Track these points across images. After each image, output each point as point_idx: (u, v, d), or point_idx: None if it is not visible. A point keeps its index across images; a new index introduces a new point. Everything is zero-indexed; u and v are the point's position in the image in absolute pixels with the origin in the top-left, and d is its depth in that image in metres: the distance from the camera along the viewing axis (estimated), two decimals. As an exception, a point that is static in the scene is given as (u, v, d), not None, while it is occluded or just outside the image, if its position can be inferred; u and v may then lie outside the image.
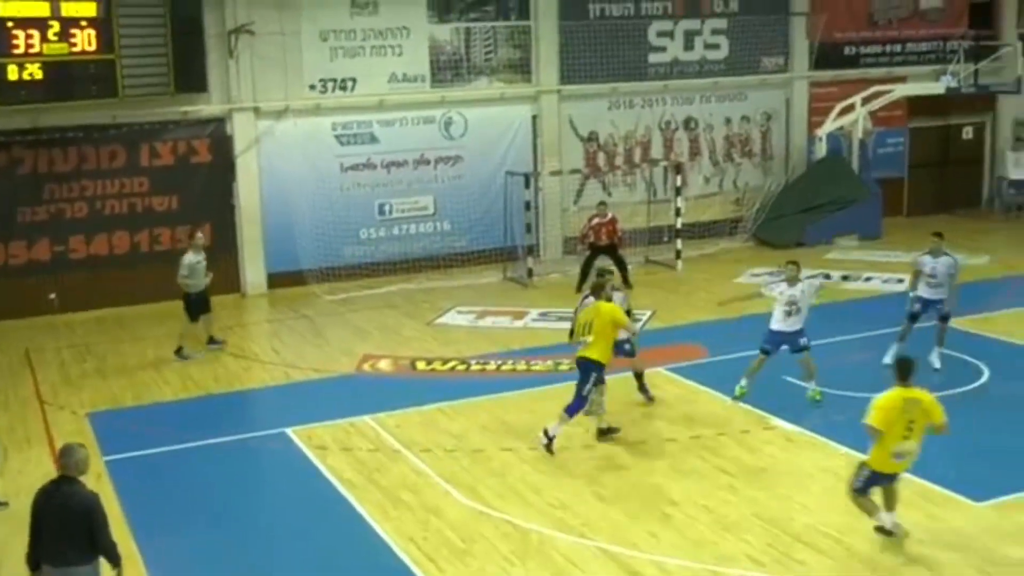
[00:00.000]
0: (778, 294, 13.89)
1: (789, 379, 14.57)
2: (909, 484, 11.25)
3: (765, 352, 13.91)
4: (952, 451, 12.16)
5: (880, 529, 10.06)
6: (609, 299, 13.00)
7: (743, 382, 13.97)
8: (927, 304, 15.04)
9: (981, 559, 9.80)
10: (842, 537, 10.25)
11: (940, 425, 9.77)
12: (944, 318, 15.01)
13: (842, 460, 11.97)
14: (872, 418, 9.70)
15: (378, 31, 21.37)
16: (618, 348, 13.22)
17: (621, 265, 19.79)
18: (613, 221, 20.26)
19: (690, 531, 10.48)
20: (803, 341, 13.84)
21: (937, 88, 24.65)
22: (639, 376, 14.18)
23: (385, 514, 11.02)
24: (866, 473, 9.93)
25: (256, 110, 20.57)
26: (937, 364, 14.89)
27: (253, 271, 20.87)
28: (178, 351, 16.69)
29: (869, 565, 9.79)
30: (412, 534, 10.57)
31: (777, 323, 13.88)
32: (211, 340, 17.14)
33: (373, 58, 21.41)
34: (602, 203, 20.96)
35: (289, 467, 12.52)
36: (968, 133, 27.34)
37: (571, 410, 12.57)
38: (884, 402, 9.69)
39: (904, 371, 9.85)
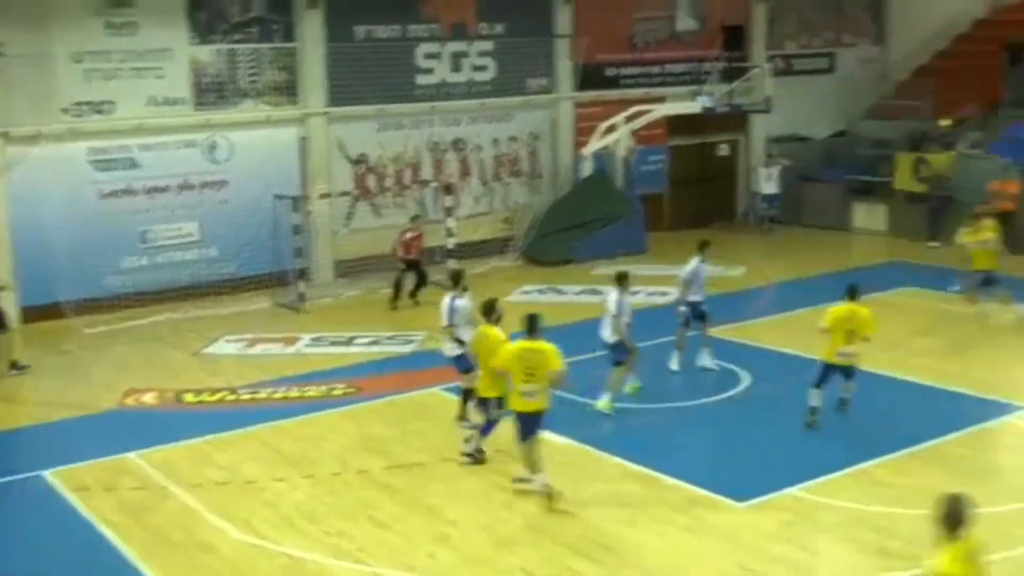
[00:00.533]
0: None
1: (561, 393, 14.79)
2: (675, 489, 11.65)
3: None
4: (715, 455, 12.67)
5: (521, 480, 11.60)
6: (499, 320, 12.53)
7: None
8: (696, 306, 15.72)
9: (745, 556, 10.17)
10: (615, 545, 10.45)
11: (557, 373, 11.32)
12: (704, 316, 15.80)
13: (613, 471, 12.25)
14: (497, 363, 11.54)
15: (137, 52, 20.63)
16: None
17: (423, 281, 20.07)
18: (422, 235, 20.52)
19: (468, 550, 10.48)
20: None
21: (694, 108, 25.69)
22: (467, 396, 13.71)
23: (153, 555, 10.54)
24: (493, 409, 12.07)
25: (5, 135, 19.54)
26: (711, 363, 15.60)
27: (5, 305, 19.70)
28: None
29: (640, 568, 10.02)
30: (183, 574, 10.18)
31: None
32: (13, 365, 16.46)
33: (132, 80, 20.66)
34: (416, 216, 21.22)
35: (47, 512, 11.81)
36: (724, 150, 28.63)
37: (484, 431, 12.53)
38: (509, 349, 11.57)
39: (531, 326, 11.55)
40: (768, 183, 27.18)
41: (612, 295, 14.05)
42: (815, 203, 27.46)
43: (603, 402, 14.16)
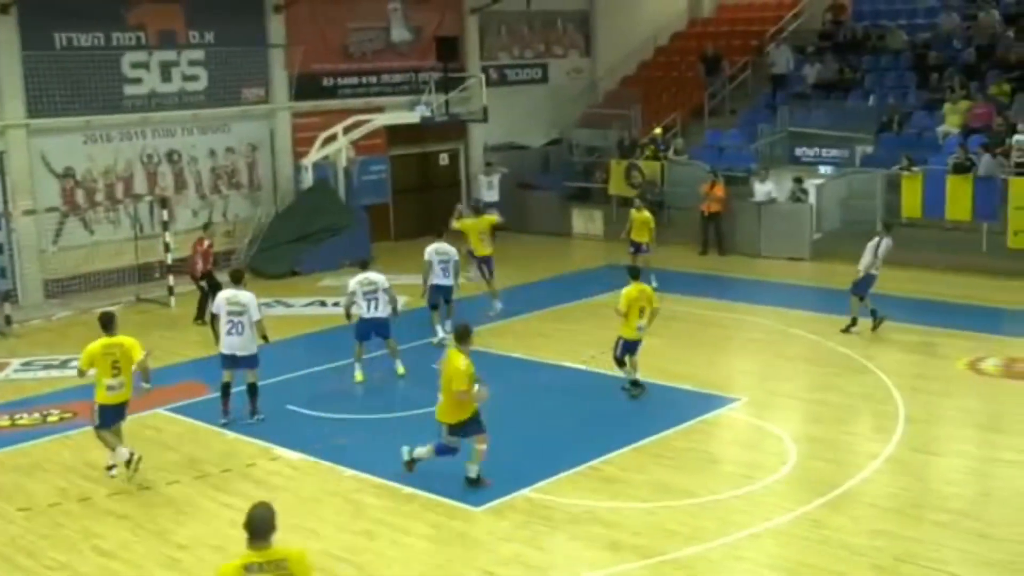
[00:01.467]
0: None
1: (292, 407, 14.59)
2: (413, 498, 11.67)
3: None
4: (450, 463, 12.73)
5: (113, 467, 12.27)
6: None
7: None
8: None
9: (485, 559, 10.30)
10: (355, 557, 10.36)
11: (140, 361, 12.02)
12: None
13: (350, 484, 12.14)
14: (81, 362, 12.12)
15: None
16: None
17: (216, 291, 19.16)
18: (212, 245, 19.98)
19: (200, 572, 10.11)
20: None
21: (412, 117, 25.86)
22: None
23: None
24: (96, 410, 12.17)
25: None
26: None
27: None
28: None
29: (382, 582, 9.98)
30: None
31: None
32: None
33: None
34: (208, 224, 20.92)
35: None
36: (444, 159, 28.94)
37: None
38: (92, 348, 12.08)
39: (106, 323, 12.22)
40: (489, 191, 27.64)
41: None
42: (535, 210, 28.19)
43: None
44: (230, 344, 13.82)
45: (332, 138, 25.09)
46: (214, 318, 14.29)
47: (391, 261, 24.24)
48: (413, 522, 11.14)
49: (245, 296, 13.88)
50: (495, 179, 27.70)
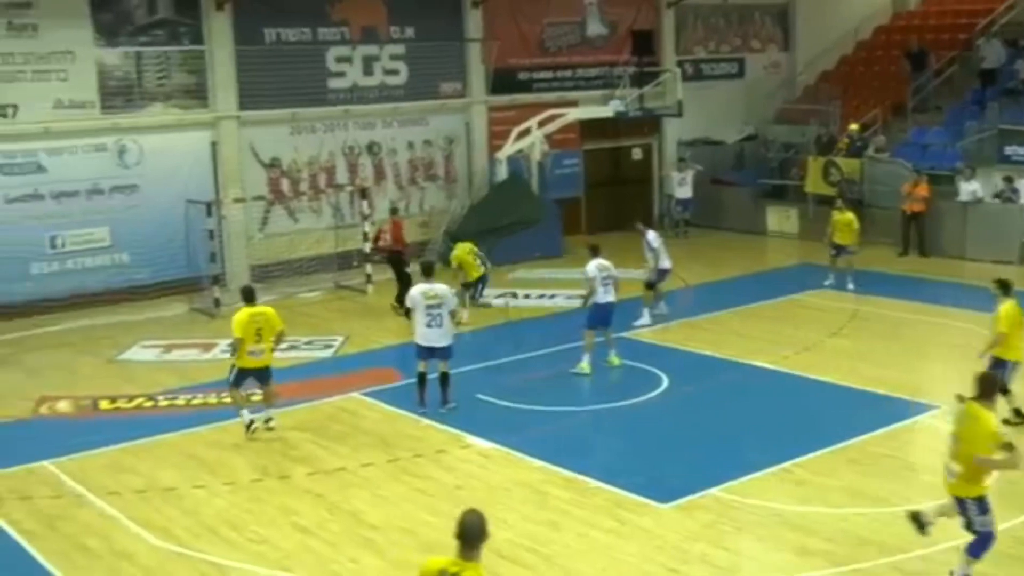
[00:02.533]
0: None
1: (482, 397, 14.84)
2: (599, 492, 11.71)
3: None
4: (637, 457, 12.75)
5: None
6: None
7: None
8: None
9: (668, 557, 10.26)
10: (541, 548, 10.47)
11: (280, 331, 13.84)
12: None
13: (537, 474, 12.28)
14: (233, 330, 13.60)
15: (39, 55, 20.17)
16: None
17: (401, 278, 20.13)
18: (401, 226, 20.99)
19: (392, 555, 10.42)
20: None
21: (606, 112, 25.88)
22: None
23: (71, 564, 10.33)
24: (234, 372, 13.73)
25: (-96, 139, 19.01)
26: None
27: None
28: None
29: (566, 571, 10.05)
30: (101, 584, 9.98)
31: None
32: None
33: (35, 83, 20.20)
34: (395, 209, 21.95)
35: (-41, 523, 11.52)
36: (637, 154, 28.86)
37: None
38: (239, 317, 13.75)
39: (247, 295, 14.08)
40: (682, 187, 27.47)
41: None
42: (728, 207, 27.87)
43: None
44: (428, 336, 13.96)
45: (526, 132, 25.32)
46: (408, 311, 14.56)
47: (582, 254, 24.35)
48: (599, 515, 11.18)
49: (441, 288, 14.10)
50: (688, 175, 27.50)
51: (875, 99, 29.07)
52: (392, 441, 13.49)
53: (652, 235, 18.80)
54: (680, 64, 28.06)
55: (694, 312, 19.31)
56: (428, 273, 14.31)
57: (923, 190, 24.01)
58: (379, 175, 24.55)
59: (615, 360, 16.17)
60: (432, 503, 11.61)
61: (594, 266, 16.07)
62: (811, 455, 12.56)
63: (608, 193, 28.15)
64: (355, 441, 13.52)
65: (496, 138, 25.83)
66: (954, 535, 10.44)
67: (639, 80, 26.43)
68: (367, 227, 22.04)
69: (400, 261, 20.24)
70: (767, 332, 18.11)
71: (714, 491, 11.57)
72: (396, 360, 16.83)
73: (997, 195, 23.91)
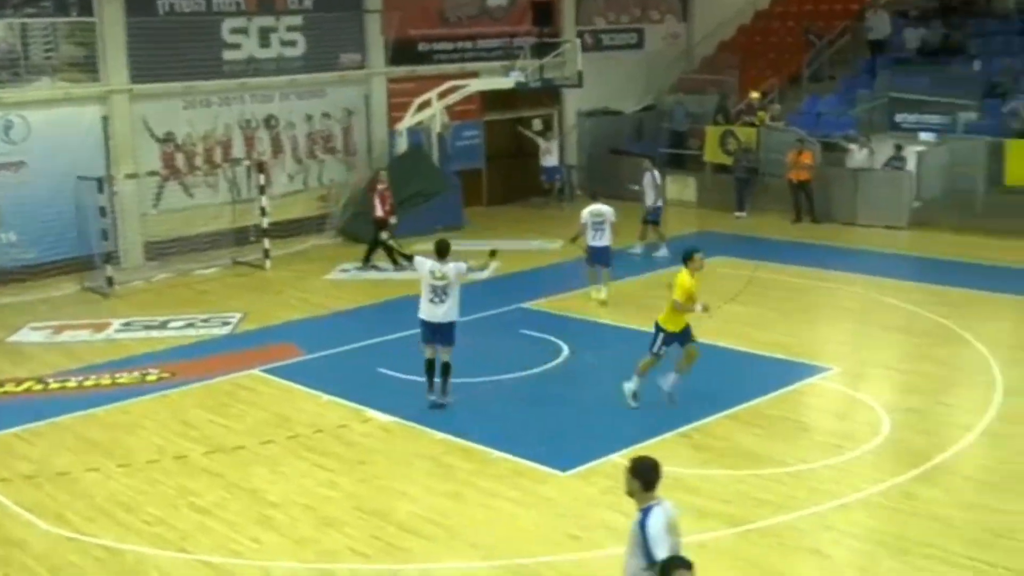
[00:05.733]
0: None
1: (383, 370, 14.76)
2: (501, 462, 11.75)
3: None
4: (538, 426, 12.81)
5: None
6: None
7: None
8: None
9: (571, 524, 10.33)
10: (444, 520, 10.47)
11: None
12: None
13: (439, 446, 12.27)
14: None
15: (-85, 27, 19.48)
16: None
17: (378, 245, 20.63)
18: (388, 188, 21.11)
19: (292, 532, 10.33)
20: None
21: (507, 83, 25.81)
22: None
23: (-43, 553, 10.07)
24: None
25: None
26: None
27: None
28: None
29: (469, 542, 10.07)
30: (-10, 572, 9.72)
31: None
32: None
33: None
34: (380, 169, 22.22)
35: None
36: (538, 125, 28.82)
37: None
38: None
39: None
40: (548, 156, 27.59)
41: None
42: (628, 176, 27.92)
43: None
44: (431, 312, 13.29)
45: (426, 104, 25.17)
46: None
47: (483, 226, 24.41)
48: (501, 486, 11.22)
49: (450, 268, 13.21)
50: (553, 145, 27.66)
51: (771, 69, 29.47)
52: (292, 417, 13.36)
53: (657, 173, 21.28)
54: (580, 35, 28.06)
55: (588, 283, 19.36)
56: (442, 254, 13.34)
57: (807, 158, 24.44)
58: (277, 149, 24.17)
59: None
60: (333, 479, 11.54)
61: (587, 211, 17.90)
62: (709, 419, 12.76)
63: (509, 164, 28.12)
64: (254, 419, 13.37)
65: (396, 110, 25.60)
66: (842, 494, 10.72)
67: (539, 51, 26.41)
68: (264, 201, 21.71)
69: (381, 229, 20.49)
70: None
71: (614, 457, 11.65)
72: (296, 336, 16.67)
73: (888, 162, 24.42)
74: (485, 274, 13.51)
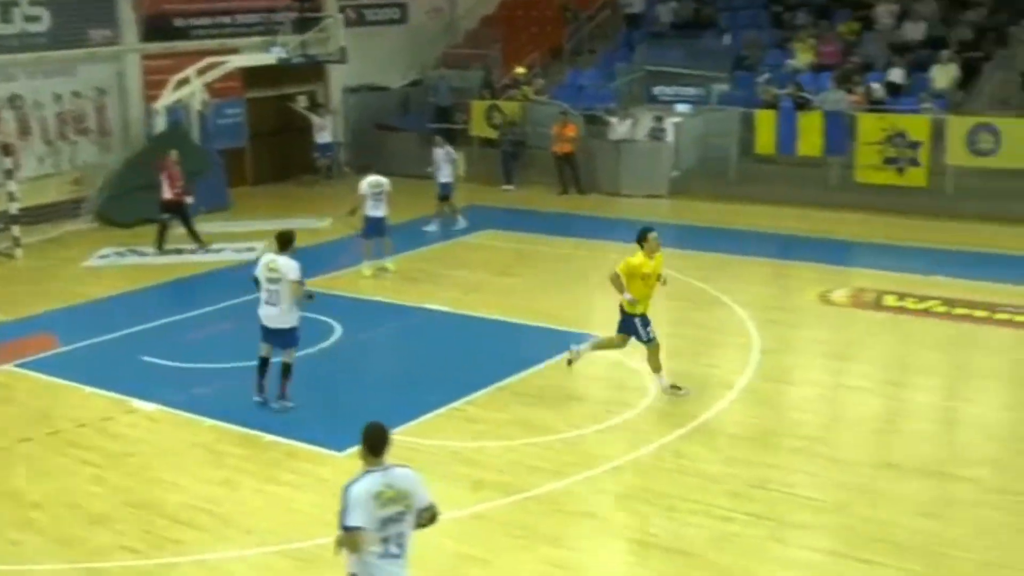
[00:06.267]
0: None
1: (148, 359, 14.27)
2: (274, 446, 11.57)
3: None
4: (313, 407, 12.64)
5: None
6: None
7: None
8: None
9: (349, 505, 10.25)
10: (216, 508, 10.24)
11: None
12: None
13: (210, 434, 11.97)
14: None
15: None
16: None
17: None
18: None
19: (57, 532, 9.88)
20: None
21: (268, 59, 25.27)
22: None
23: None
24: None
25: None
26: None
27: None
28: None
29: (243, 529, 9.88)
30: None
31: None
32: None
33: None
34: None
35: None
36: (303, 102, 28.34)
37: None
38: None
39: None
40: (322, 133, 27.33)
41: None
42: (395, 152, 27.87)
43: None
44: (266, 315, 12.42)
45: (185, 81, 24.36)
46: (256, 282, 12.49)
47: (249, 206, 23.89)
48: (275, 470, 11.05)
49: (283, 261, 12.19)
50: (326, 121, 27.40)
51: (534, 43, 29.92)
52: (52, 412, 12.73)
53: (451, 149, 21.27)
54: (342, 10, 27.69)
55: (362, 258, 19.25)
56: (283, 245, 12.30)
57: (571, 131, 25.00)
58: (24, 130, 22.86)
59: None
60: (99, 474, 11.10)
61: (365, 183, 18.00)
62: (482, 392, 12.90)
63: (275, 142, 27.56)
64: (10, 415, 12.68)
65: (152, 88, 24.61)
66: (613, 457, 11.05)
67: (301, 26, 25.97)
68: (12, 186, 20.51)
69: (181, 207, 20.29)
70: (437, 275, 18.38)
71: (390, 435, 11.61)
72: (54, 327, 15.89)
73: (649, 134, 25.21)
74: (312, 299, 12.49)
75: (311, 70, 27.56)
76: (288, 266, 12.13)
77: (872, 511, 9.93)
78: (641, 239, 12.54)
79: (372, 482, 6.66)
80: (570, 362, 13.08)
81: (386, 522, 6.66)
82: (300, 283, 12.11)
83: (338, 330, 15.34)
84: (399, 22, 30.69)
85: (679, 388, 12.61)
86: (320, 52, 26.12)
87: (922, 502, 10.14)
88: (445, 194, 21.51)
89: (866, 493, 10.32)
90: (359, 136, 28.45)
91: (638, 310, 12.45)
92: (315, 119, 27.34)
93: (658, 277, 12.54)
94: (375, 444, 6.78)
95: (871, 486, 10.48)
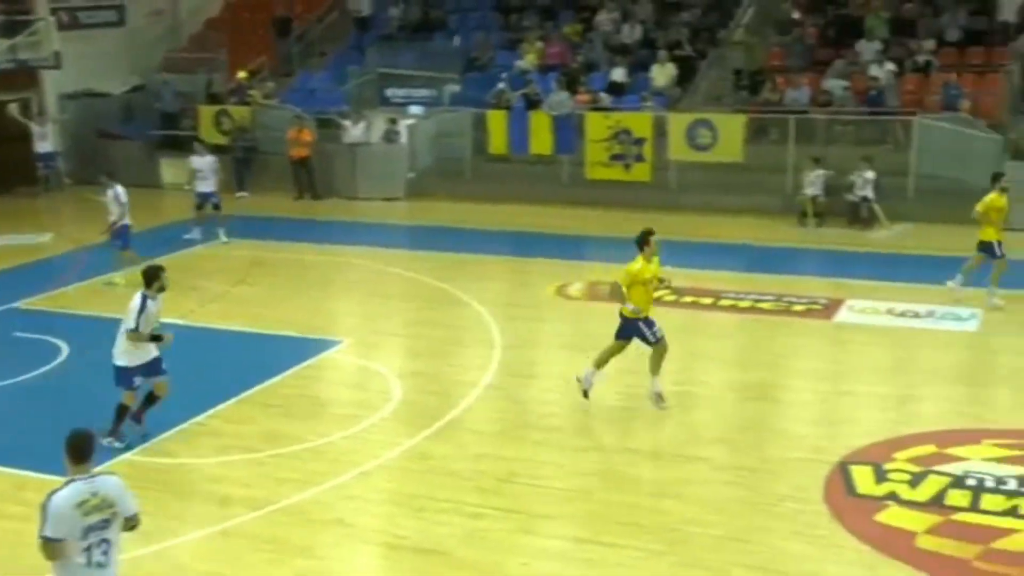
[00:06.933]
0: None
1: None
2: (2, 477, 10.87)
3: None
4: (41, 433, 11.92)
5: None
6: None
7: None
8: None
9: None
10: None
11: None
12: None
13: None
14: None
15: None
16: None
17: None
18: None
19: None
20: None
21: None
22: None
23: None
24: None
25: None
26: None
27: None
28: None
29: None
30: None
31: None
32: None
33: None
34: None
35: None
36: (15, 109, 26.78)
37: None
38: None
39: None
40: (43, 142, 26.05)
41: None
42: (119, 161, 26.69)
43: None
44: None
45: None
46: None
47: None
48: (2, 504, 10.38)
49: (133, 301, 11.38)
50: (48, 129, 26.14)
51: (261, 46, 29.36)
52: None
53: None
54: (54, 12, 26.39)
55: (90, 274, 18.36)
56: (148, 283, 11.58)
57: (307, 135, 24.75)
58: None
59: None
60: None
61: (123, 191, 17.42)
62: (225, 404, 12.56)
63: (-13, 153, 25.97)
64: None
65: None
66: (362, 463, 10.99)
67: (10, 30, 24.56)
68: None
69: None
70: (172, 286, 17.67)
71: (129, 456, 11.17)
72: None
73: (384, 136, 25.21)
74: (165, 342, 11.50)
75: (23, 76, 26.12)
76: (130, 307, 11.34)
77: (615, 495, 10.26)
78: (642, 241, 12.06)
79: (75, 491, 6.50)
80: (585, 393, 12.28)
81: (89, 530, 6.52)
82: (135, 331, 11.28)
83: (64, 351, 14.56)
84: (117, 24, 29.48)
85: (663, 401, 12.24)
86: (32, 57, 24.83)
87: (661, 483, 10.56)
88: (216, 203, 20.64)
89: (609, 479, 10.67)
90: (80, 144, 27.20)
91: (641, 314, 12.12)
92: (35, 127, 25.94)
93: (660, 280, 12.32)
94: (79, 451, 6.64)
95: (613, 471, 10.84)
